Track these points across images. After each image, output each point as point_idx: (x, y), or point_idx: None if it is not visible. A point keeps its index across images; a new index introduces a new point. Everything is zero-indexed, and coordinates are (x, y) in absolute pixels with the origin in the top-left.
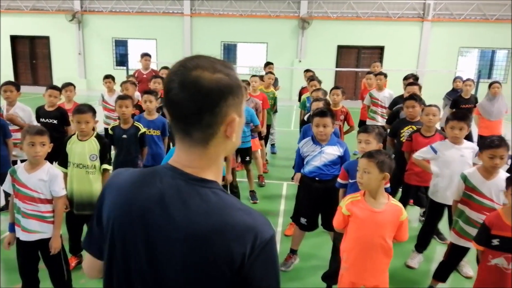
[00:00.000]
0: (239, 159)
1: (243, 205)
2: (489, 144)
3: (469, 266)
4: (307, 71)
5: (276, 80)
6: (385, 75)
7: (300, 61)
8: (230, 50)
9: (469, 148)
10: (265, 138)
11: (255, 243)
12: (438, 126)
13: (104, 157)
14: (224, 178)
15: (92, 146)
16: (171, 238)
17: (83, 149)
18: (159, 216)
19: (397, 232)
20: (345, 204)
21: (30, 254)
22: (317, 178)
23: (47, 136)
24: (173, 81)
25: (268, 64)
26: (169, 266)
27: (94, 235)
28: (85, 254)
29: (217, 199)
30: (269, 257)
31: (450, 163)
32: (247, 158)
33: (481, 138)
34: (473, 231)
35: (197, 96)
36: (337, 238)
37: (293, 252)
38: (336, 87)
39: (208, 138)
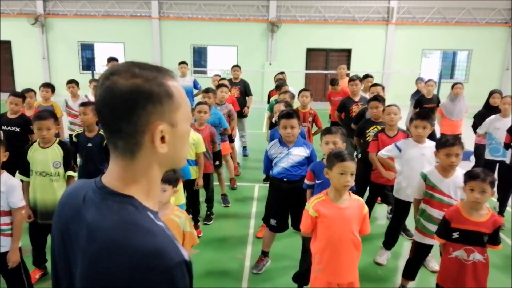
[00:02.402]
0: None
1: (154, 227)
2: (444, 143)
3: (434, 260)
4: (279, 73)
5: (246, 85)
6: (372, 77)
7: (270, 63)
8: (200, 53)
9: (431, 147)
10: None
11: (155, 268)
12: (404, 126)
13: (68, 164)
14: (195, 183)
15: (55, 153)
16: (80, 251)
17: (45, 157)
18: (74, 230)
19: (361, 226)
20: (311, 206)
21: None
22: (285, 179)
23: (2, 145)
24: (98, 88)
25: (234, 66)
26: (78, 277)
27: None
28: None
29: (121, 216)
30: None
31: (411, 162)
32: (217, 162)
33: (446, 136)
34: (435, 228)
35: (111, 103)
36: (307, 239)
37: (264, 254)
38: (305, 89)
39: (133, 148)
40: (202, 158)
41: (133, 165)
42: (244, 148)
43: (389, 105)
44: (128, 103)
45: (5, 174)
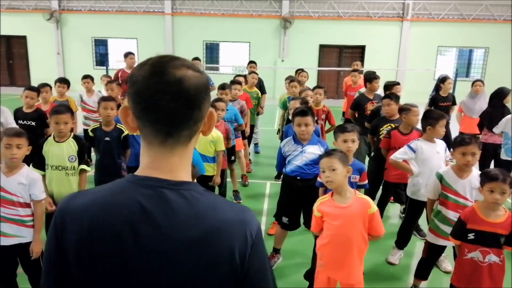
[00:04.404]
0: None
1: (228, 201)
2: (460, 142)
3: (447, 261)
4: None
5: (261, 83)
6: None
7: (282, 60)
8: (212, 49)
9: (442, 145)
10: (248, 138)
11: (251, 236)
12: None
13: (82, 157)
14: (212, 180)
15: (71, 147)
16: (165, 251)
17: (61, 151)
18: (145, 232)
19: (370, 225)
20: (315, 206)
21: (8, 258)
22: (298, 177)
23: (25, 138)
24: (156, 83)
25: (250, 62)
26: (166, 278)
27: (56, 272)
28: None
29: (204, 200)
30: (262, 247)
31: (428, 161)
32: (232, 158)
33: (462, 135)
34: (449, 230)
35: (186, 94)
36: (318, 237)
37: (276, 251)
38: (318, 87)
39: (192, 135)
40: (221, 156)
41: (186, 152)
42: (256, 145)
43: (414, 106)
44: (201, 93)
45: (26, 168)
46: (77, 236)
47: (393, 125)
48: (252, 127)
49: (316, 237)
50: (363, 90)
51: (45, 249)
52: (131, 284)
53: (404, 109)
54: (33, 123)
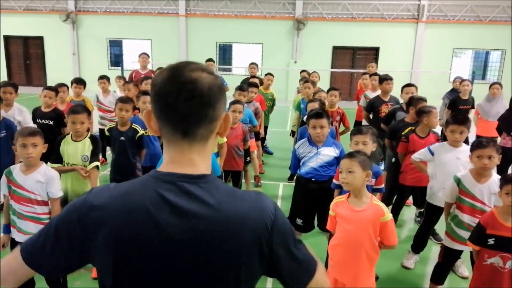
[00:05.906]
0: None
1: (243, 191)
2: (477, 145)
3: (464, 266)
4: (303, 71)
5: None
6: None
7: (295, 62)
8: (225, 50)
9: (466, 151)
10: (262, 140)
11: (270, 217)
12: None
13: (94, 156)
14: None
15: (85, 147)
16: (191, 239)
17: (75, 150)
18: (170, 221)
19: (382, 234)
20: (331, 205)
21: None
22: (313, 179)
23: (40, 137)
24: (174, 84)
25: (251, 64)
26: (192, 268)
27: (57, 250)
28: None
29: (222, 191)
30: (281, 218)
31: (445, 166)
32: (248, 159)
33: (480, 138)
34: (465, 234)
35: (202, 93)
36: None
37: None
38: (333, 88)
39: (208, 135)
40: (225, 148)
41: (204, 150)
42: (265, 146)
43: (433, 108)
44: (215, 92)
45: (44, 166)
46: (101, 231)
47: (413, 128)
48: (266, 128)
49: (330, 237)
50: (368, 93)
51: (57, 224)
52: (158, 272)
53: (425, 111)
54: (51, 122)
